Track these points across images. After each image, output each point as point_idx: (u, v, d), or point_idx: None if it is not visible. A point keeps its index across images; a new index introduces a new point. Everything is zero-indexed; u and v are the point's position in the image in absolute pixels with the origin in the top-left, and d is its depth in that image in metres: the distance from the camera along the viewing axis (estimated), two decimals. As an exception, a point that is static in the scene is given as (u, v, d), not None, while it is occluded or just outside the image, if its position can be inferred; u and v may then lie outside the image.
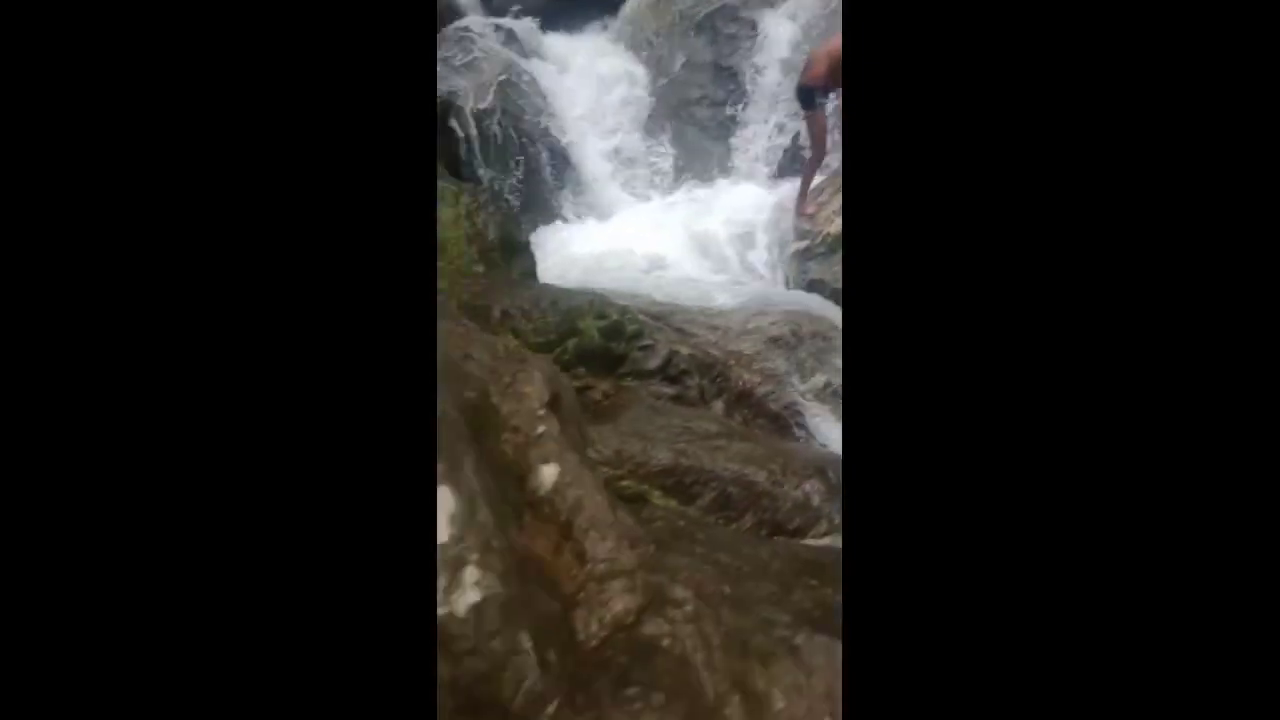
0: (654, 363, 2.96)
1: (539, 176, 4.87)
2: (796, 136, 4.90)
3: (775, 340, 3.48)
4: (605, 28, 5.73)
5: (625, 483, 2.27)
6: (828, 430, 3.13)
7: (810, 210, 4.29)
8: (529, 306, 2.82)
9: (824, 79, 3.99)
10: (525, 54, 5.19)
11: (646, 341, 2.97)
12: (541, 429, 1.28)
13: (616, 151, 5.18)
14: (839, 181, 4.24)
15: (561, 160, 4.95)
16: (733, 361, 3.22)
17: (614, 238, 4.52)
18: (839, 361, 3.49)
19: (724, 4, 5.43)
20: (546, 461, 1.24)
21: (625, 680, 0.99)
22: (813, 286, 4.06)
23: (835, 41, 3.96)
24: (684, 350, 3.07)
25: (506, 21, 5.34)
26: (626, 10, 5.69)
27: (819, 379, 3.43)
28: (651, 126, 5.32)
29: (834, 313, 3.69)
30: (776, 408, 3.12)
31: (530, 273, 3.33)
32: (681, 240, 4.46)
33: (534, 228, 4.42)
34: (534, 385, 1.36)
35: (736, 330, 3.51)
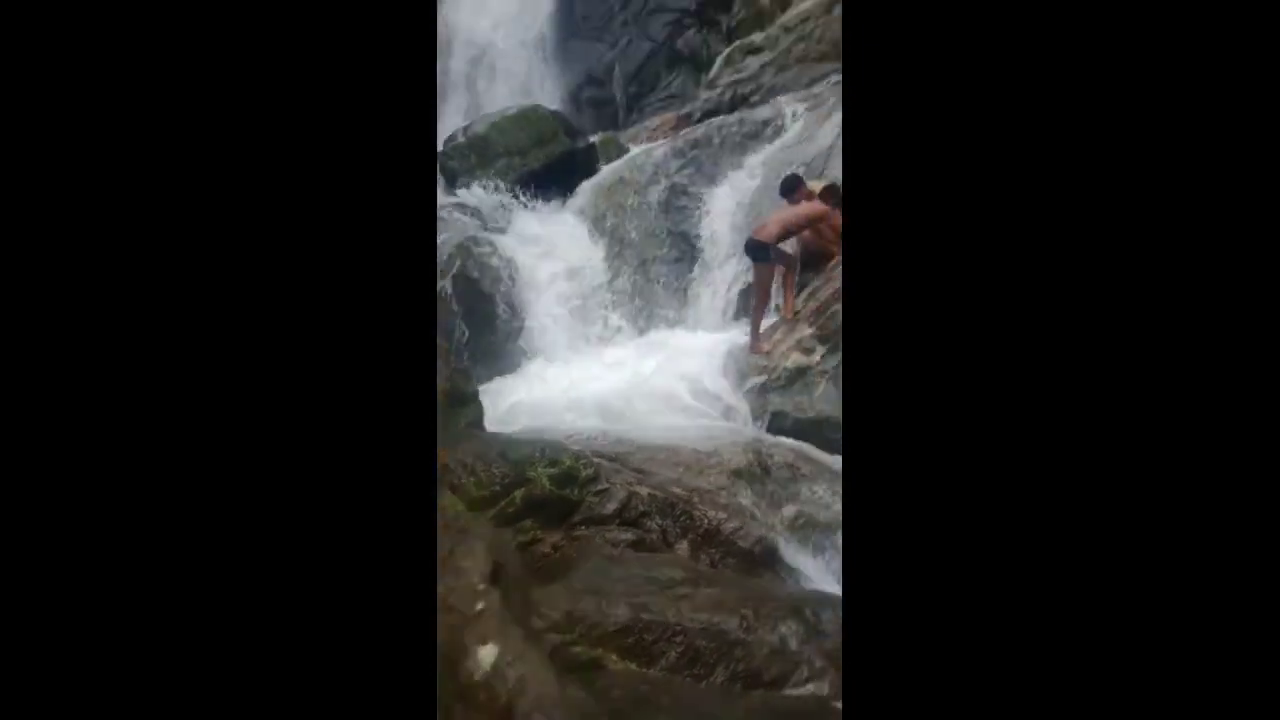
0: (610, 506, 2.71)
1: (494, 329, 4.94)
2: (746, 288, 5.11)
3: (740, 473, 3.27)
4: (564, 204, 6.23)
5: (577, 649, 1.94)
6: (803, 563, 2.82)
7: (765, 348, 4.33)
8: (473, 459, 2.63)
9: (774, 237, 4.28)
10: (486, 225, 5.55)
11: (602, 485, 2.75)
12: (480, 605, 1.20)
13: (572, 304, 5.35)
14: (792, 321, 4.35)
15: (517, 313, 5.06)
16: (696, 499, 2.97)
17: (568, 386, 4.47)
18: (809, 491, 3.27)
19: (674, 182, 5.99)
20: (485, 642, 1.15)
21: None
22: (775, 419, 3.95)
23: (788, 210, 4.35)
24: (643, 491, 2.84)
25: (468, 197, 5.79)
26: (585, 186, 6.24)
27: (789, 510, 3.18)
28: (608, 282, 5.56)
29: (804, 445, 3.55)
30: (746, 544, 2.83)
31: (477, 423, 3.16)
32: (637, 386, 4.41)
33: (488, 379, 4.37)
34: (474, 558, 1.26)
35: (699, 465, 3.31)
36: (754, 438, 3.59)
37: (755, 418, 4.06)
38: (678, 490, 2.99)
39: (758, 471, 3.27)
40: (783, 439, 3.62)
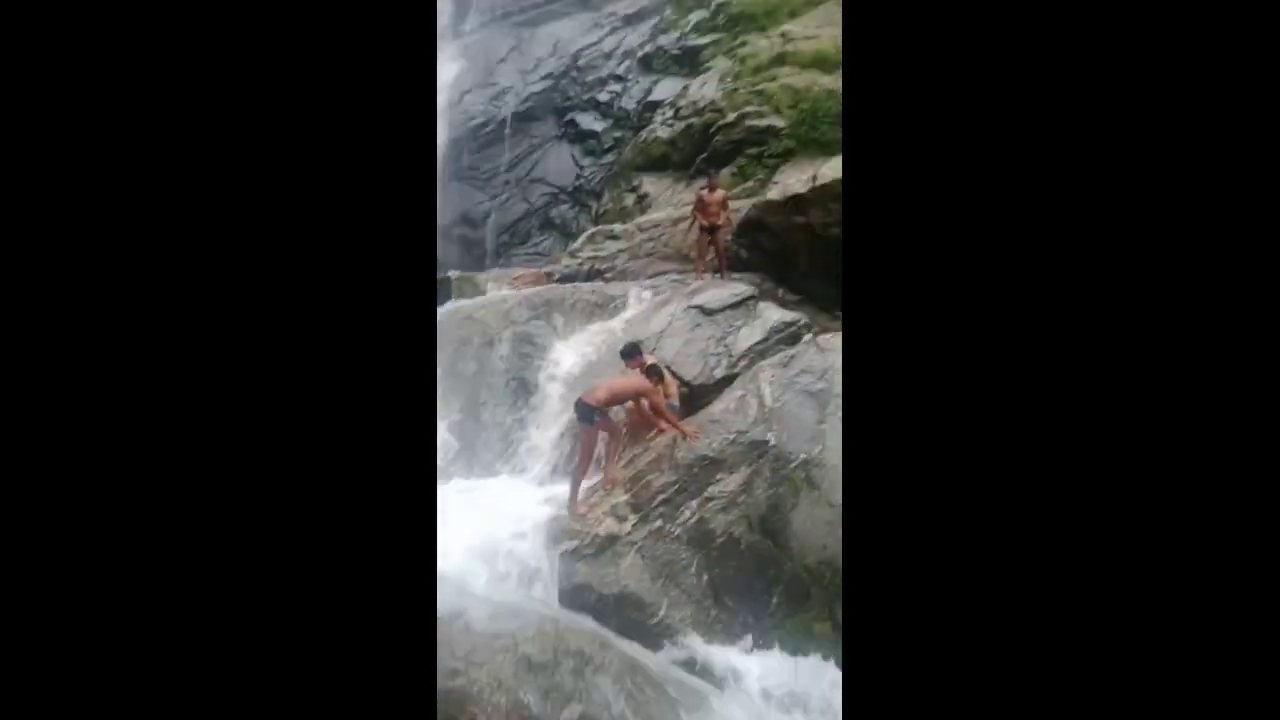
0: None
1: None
2: (573, 447, 5.06)
3: (529, 662, 2.91)
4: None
5: None
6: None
7: (581, 511, 4.19)
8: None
9: (602, 402, 4.35)
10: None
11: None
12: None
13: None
14: (610, 485, 4.31)
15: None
16: (475, 690, 2.54)
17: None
18: (596, 690, 2.97)
19: (522, 330, 6.06)
20: None
21: None
22: (579, 591, 3.70)
23: (619, 380, 4.52)
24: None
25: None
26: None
27: (574, 710, 2.84)
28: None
29: (596, 627, 3.30)
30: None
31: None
32: (452, 539, 3.95)
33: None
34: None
35: (489, 648, 2.90)
36: (551, 618, 3.29)
37: (561, 586, 3.77)
38: (457, 684, 2.53)
39: (547, 660, 2.94)
40: (582, 620, 3.36)
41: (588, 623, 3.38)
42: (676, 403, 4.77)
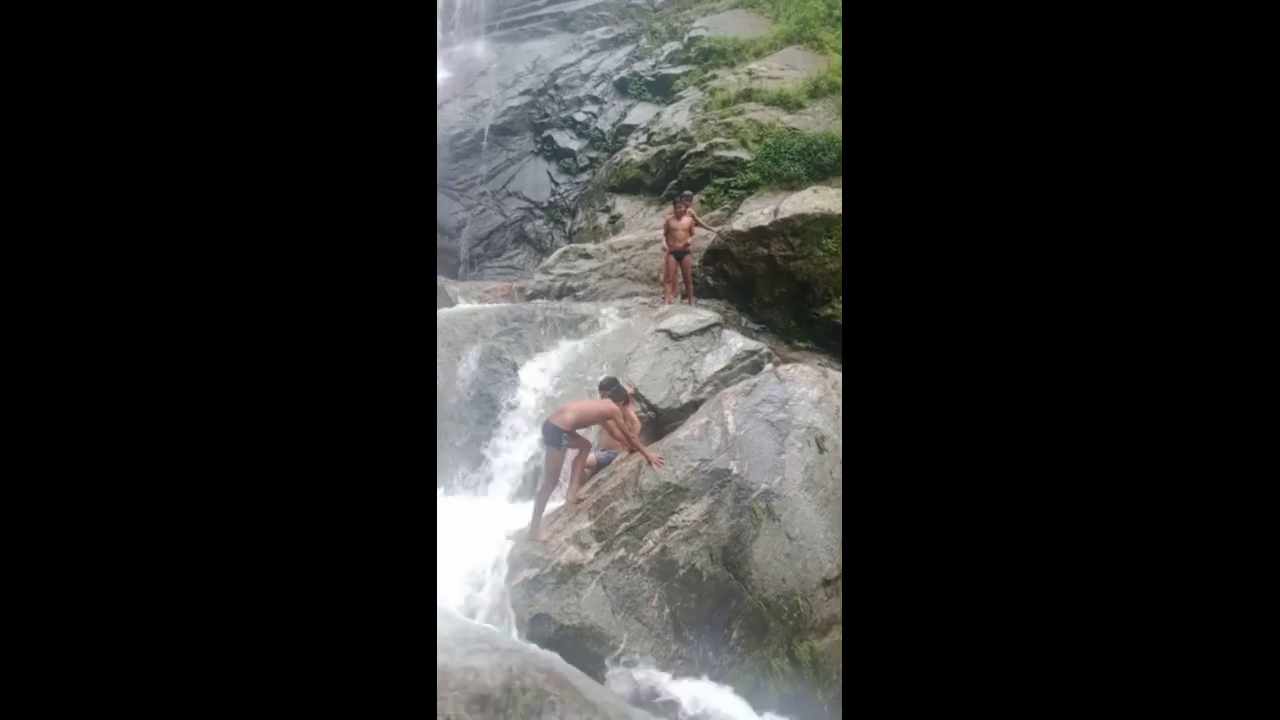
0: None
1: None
2: (538, 469, 4.81)
3: (483, 701, 2.66)
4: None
5: None
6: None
7: (544, 537, 3.94)
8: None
9: (569, 425, 4.13)
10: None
11: None
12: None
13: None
14: (575, 510, 4.08)
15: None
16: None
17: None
18: (554, 727, 2.75)
19: (490, 345, 5.76)
20: None
21: None
22: (538, 621, 3.45)
23: (586, 402, 4.28)
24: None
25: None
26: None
27: (530, 752, 2.60)
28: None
29: (555, 661, 3.07)
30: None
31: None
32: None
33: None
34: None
35: (441, 683, 2.63)
36: (508, 650, 3.03)
37: (518, 618, 3.52)
38: None
39: (501, 697, 2.69)
40: (540, 653, 3.12)
41: (545, 656, 3.14)
42: (615, 453, 4.57)
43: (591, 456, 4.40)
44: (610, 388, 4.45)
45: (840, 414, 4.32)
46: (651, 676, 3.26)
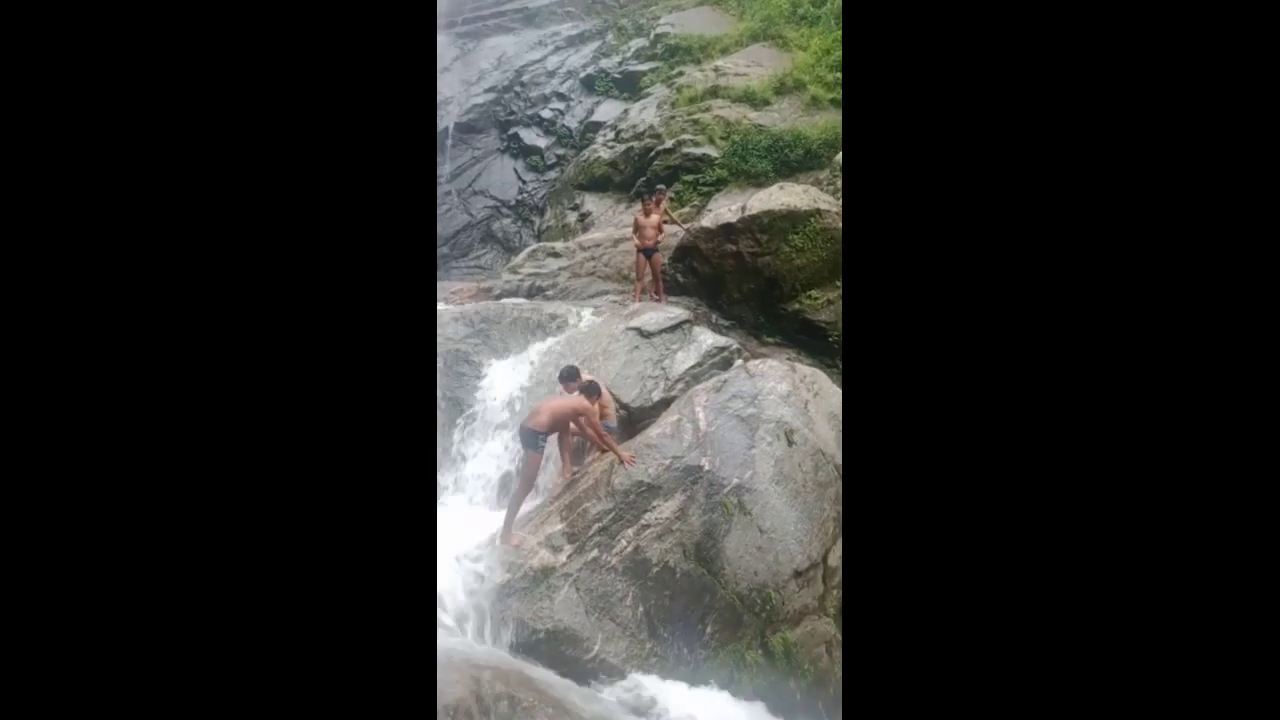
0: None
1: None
2: (508, 473, 4.74)
3: (453, 710, 2.60)
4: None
5: None
6: None
7: (515, 541, 3.88)
8: None
9: (545, 426, 4.07)
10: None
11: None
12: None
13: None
14: (546, 512, 4.03)
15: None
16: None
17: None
18: (527, 733, 2.70)
19: (456, 349, 5.64)
20: None
21: None
22: (512, 628, 3.39)
23: (558, 401, 4.22)
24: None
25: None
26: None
27: (503, 761, 2.56)
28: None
29: (528, 667, 3.02)
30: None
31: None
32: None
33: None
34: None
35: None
36: (479, 659, 2.97)
37: (490, 624, 3.45)
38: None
39: (470, 706, 2.63)
40: (510, 660, 3.06)
41: (518, 663, 3.09)
42: (615, 425, 4.56)
43: (610, 408, 4.32)
44: (569, 378, 4.40)
45: (809, 407, 4.37)
46: (626, 676, 3.23)
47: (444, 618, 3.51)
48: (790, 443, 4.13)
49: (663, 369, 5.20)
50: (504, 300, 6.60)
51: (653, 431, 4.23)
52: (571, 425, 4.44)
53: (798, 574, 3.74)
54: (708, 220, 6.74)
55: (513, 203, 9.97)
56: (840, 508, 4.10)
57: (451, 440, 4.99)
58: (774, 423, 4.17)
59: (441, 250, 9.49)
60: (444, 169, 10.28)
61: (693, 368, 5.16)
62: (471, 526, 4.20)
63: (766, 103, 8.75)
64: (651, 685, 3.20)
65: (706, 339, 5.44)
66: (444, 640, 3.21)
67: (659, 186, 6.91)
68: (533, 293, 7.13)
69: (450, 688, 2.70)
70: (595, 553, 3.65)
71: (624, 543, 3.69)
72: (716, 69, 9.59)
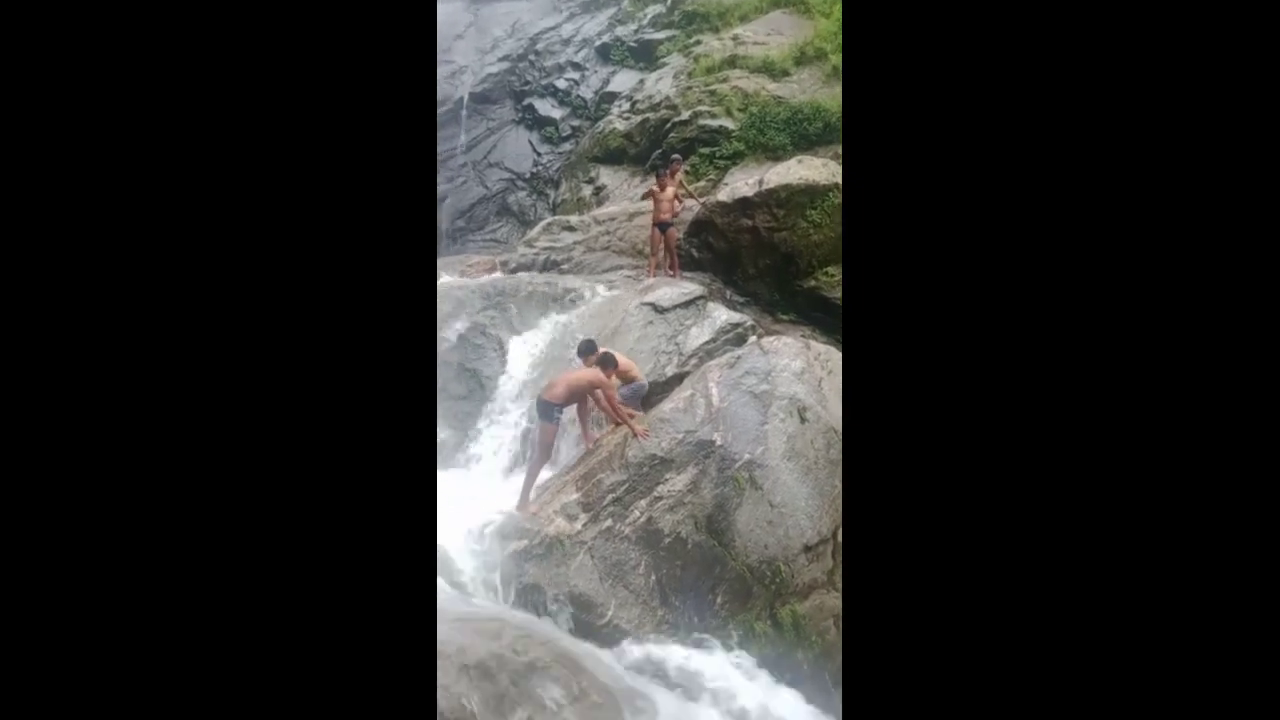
0: None
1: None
2: (527, 436, 4.82)
3: (471, 669, 2.71)
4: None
5: None
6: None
7: (532, 509, 3.97)
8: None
9: (561, 399, 4.12)
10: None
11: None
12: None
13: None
14: (562, 482, 4.11)
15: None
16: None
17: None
18: (543, 692, 2.82)
19: (475, 321, 5.68)
20: None
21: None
22: (527, 591, 3.50)
23: (574, 374, 4.26)
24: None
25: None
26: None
27: (520, 715, 2.68)
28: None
29: (543, 629, 3.13)
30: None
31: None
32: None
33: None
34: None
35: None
36: (497, 619, 3.09)
37: (507, 588, 3.57)
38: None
39: (490, 665, 2.75)
40: (528, 620, 3.18)
41: (535, 624, 3.21)
42: (645, 382, 4.63)
43: (617, 395, 4.39)
44: (587, 352, 4.44)
45: (822, 384, 4.37)
46: (640, 642, 3.34)
47: (463, 582, 3.64)
48: (803, 420, 4.14)
49: (676, 344, 5.20)
50: (519, 274, 6.60)
51: (665, 406, 4.26)
52: (589, 398, 4.49)
53: (807, 548, 3.79)
54: (724, 194, 6.63)
55: (528, 175, 9.87)
56: (851, 484, 4.12)
57: (469, 411, 5.07)
58: (787, 399, 4.18)
59: (458, 223, 9.47)
60: (459, 140, 10.18)
61: (706, 343, 5.16)
62: (489, 495, 4.31)
63: (786, 73, 8.49)
64: (662, 651, 3.30)
65: (720, 315, 5.42)
66: (464, 603, 3.33)
67: (674, 156, 6.79)
68: (548, 266, 7.13)
69: (468, 647, 2.82)
70: (609, 522, 3.73)
71: (637, 513, 3.77)
72: (735, 37, 9.29)
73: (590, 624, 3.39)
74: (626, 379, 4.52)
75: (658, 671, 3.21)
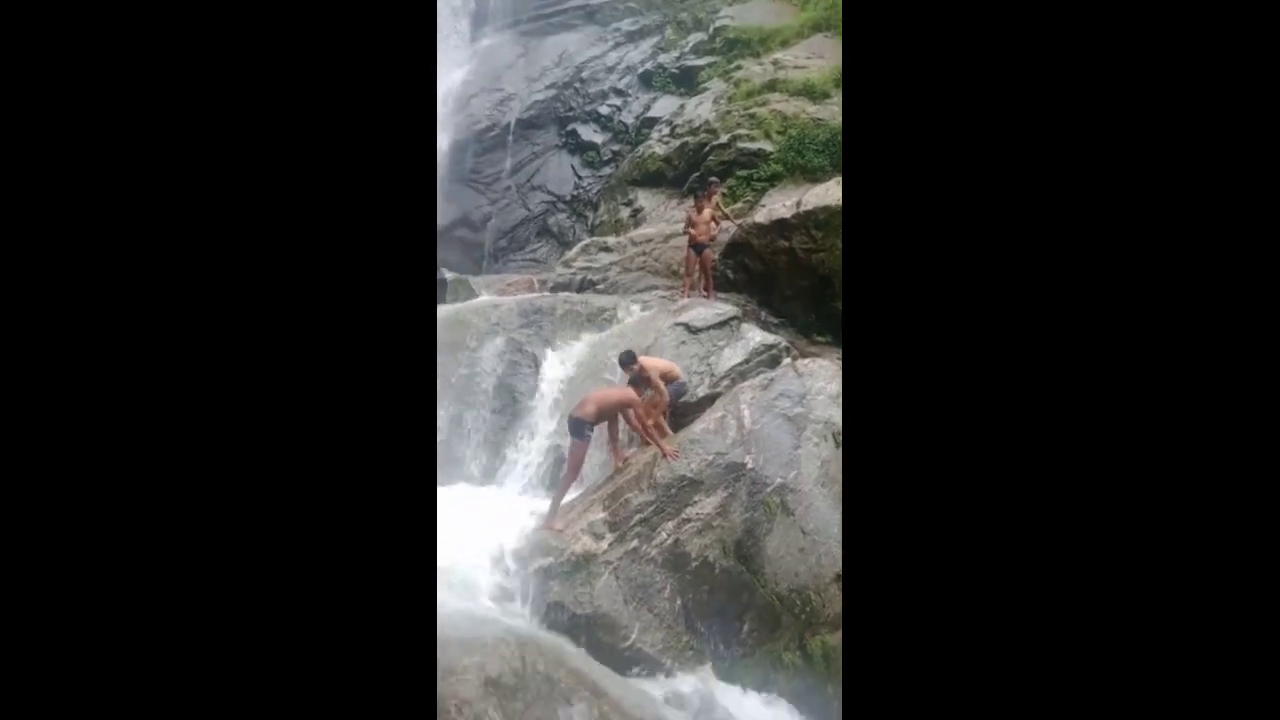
0: None
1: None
2: (558, 452, 4.85)
3: (494, 683, 2.71)
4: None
5: None
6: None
7: (559, 526, 3.98)
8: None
9: (592, 416, 4.15)
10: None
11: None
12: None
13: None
14: (590, 500, 4.11)
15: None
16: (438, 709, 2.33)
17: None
18: (566, 710, 2.78)
19: (512, 337, 5.81)
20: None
21: None
22: (552, 610, 3.49)
23: (605, 392, 4.30)
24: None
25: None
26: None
27: (539, 736, 2.64)
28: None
29: (567, 649, 3.10)
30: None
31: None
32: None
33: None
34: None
35: (452, 668, 2.69)
36: (521, 637, 3.08)
37: (534, 603, 3.56)
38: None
39: (512, 682, 2.73)
40: (551, 641, 3.15)
41: (558, 644, 3.18)
42: (685, 379, 4.67)
43: (665, 397, 4.42)
44: (629, 362, 4.45)
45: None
46: (662, 667, 3.26)
47: (484, 600, 3.66)
48: (838, 444, 4.02)
49: (709, 365, 5.16)
50: (556, 293, 6.74)
51: (696, 427, 4.22)
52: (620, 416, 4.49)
53: (840, 578, 3.64)
54: (760, 215, 6.61)
55: (568, 198, 10.13)
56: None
57: (504, 426, 5.16)
58: (821, 423, 4.07)
59: (500, 243, 9.77)
60: (505, 164, 10.56)
61: (739, 365, 5.10)
62: (519, 510, 4.35)
63: (826, 95, 8.46)
64: (686, 679, 3.21)
65: (754, 336, 5.36)
66: (488, 616, 3.34)
67: (712, 179, 6.84)
68: (584, 286, 7.24)
69: (491, 663, 2.82)
70: (635, 543, 3.69)
71: (664, 535, 3.71)
72: (775, 62, 9.35)
73: (613, 646, 3.33)
74: (669, 379, 4.53)
75: (681, 701, 3.12)
